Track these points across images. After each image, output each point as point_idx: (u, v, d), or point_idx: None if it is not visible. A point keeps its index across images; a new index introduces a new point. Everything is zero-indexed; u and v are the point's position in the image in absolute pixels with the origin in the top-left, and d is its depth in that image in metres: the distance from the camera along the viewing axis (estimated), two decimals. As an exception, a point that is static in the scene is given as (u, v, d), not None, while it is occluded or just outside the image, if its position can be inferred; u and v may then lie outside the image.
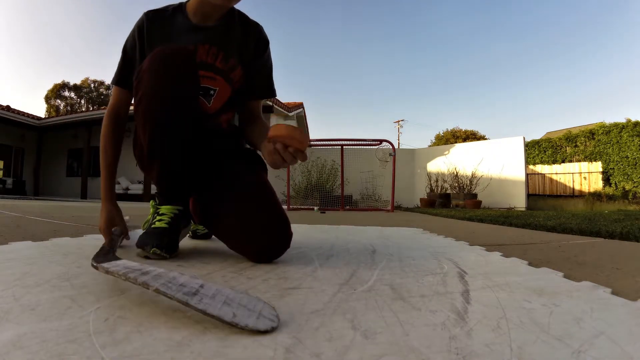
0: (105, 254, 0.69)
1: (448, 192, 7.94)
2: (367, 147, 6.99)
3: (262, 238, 0.85)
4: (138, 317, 0.46)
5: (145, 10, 0.98)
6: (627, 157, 11.36)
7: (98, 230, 1.05)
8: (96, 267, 0.60)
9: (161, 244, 0.85)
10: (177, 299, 0.45)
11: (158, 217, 0.91)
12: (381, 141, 6.53)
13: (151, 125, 0.85)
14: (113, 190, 1.03)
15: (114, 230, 0.94)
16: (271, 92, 1.08)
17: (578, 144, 13.00)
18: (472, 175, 7.99)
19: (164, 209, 0.92)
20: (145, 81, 0.82)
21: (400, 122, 34.02)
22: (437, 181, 8.19)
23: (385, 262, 0.91)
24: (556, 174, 13.47)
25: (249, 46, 1.01)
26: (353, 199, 7.58)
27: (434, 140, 28.41)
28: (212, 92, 0.99)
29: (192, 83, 0.86)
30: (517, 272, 0.80)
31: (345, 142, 6.63)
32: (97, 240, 1.17)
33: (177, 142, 0.87)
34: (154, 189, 0.99)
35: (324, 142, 6.90)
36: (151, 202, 0.99)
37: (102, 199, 1.01)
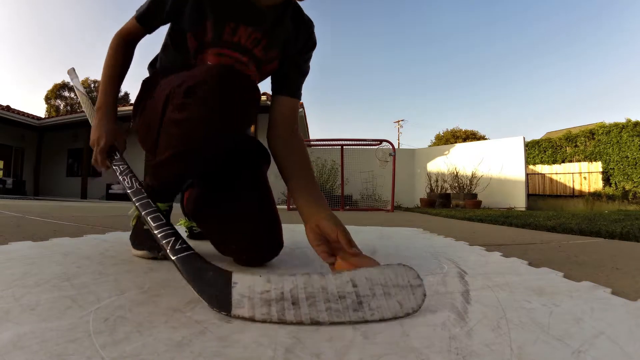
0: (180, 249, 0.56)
1: (448, 192, 7.93)
2: (367, 147, 6.99)
3: (252, 247, 0.84)
4: (138, 317, 0.46)
5: None
6: (627, 157, 11.36)
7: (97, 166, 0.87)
8: (223, 310, 0.47)
9: None
10: (354, 321, 0.44)
11: None
12: (381, 141, 6.53)
13: (188, 151, 0.76)
14: (115, 105, 0.89)
15: (116, 157, 0.84)
16: (299, 94, 0.94)
17: (578, 144, 13.00)
18: (472, 175, 7.98)
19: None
20: (200, 108, 0.69)
21: (400, 122, 34.04)
22: (437, 181, 8.19)
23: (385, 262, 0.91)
24: (556, 174, 13.47)
25: (297, 43, 0.91)
26: (353, 199, 7.58)
27: (434, 140, 28.38)
28: None
29: (249, 124, 0.78)
30: (517, 272, 0.80)
31: (345, 142, 6.63)
32: (97, 240, 1.16)
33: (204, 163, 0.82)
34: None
35: (324, 142, 6.90)
36: None
37: (97, 111, 0.86)
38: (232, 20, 0.83)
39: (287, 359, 0.35)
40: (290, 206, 6.05)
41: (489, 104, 65.28)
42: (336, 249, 0.73)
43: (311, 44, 0.94)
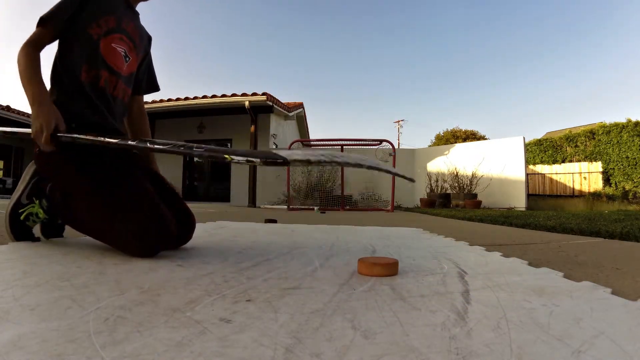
0: None
1: (448, 192, 7.93)
2: (367, 147, 6.99)
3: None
4: (138, 317, 0.46)
5: None
6: (627, 157, 11.36)
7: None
8: (284, 162, 0.68)
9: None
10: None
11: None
12: (381, 141, 6.54)
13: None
14: (47, 93, 1.00)
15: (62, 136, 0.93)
16: (156, 87, 1.31)
17: (578, 143, 12.99)
18: (472, 175, 7.98)
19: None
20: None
21: (400, 122, 34.02)
22: (437, 181, 8.18)
23: (385, 262, 0.91)
24: (556, 174, 13.46)
25: (145, 38, 1.21)
26: (353, 199, 7.57)
27: (434, 140, 28.33)
28: (127, 58, 1.13)
29: None
30: (517, 272, 0.80)
31: (346, 142, 6.63)
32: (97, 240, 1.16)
33: None
34: None
35: (324, 142, 6.90)
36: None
37: (35, 103, 0.94)
38: (123, 17, 1.10)
39: (287, 359, 0.35)
40: (291, 206, 6.06)
41: (489, 104, 65.31)
42: None
43: (150, 39, 1.25)
